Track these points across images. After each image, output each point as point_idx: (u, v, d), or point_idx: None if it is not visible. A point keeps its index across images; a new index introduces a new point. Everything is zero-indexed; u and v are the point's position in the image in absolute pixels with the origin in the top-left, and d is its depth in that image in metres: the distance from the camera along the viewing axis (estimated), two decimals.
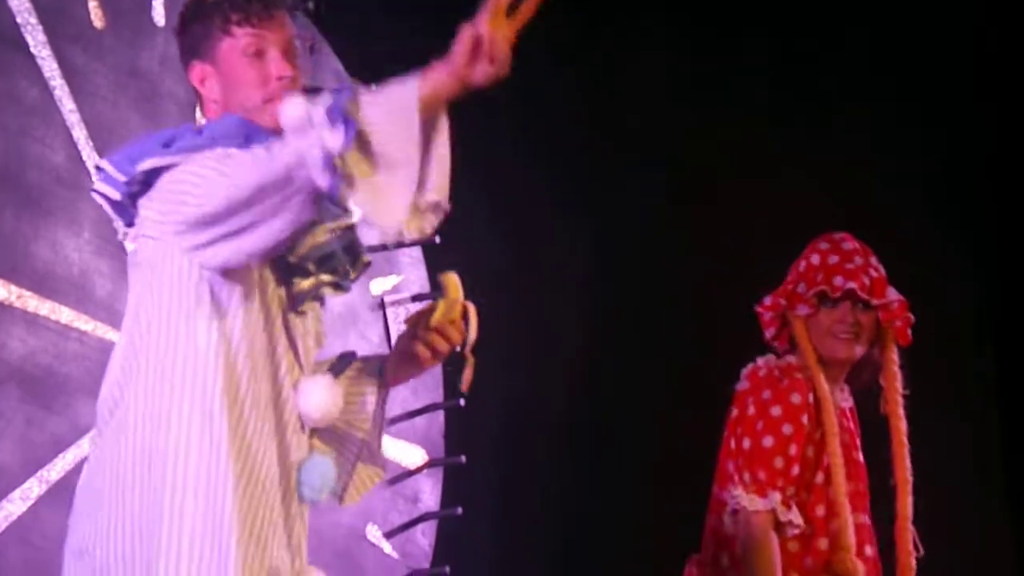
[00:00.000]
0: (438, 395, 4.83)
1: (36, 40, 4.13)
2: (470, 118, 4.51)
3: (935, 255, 5.19)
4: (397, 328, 4.79)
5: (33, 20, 4.13)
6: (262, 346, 2.74)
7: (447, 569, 4.70)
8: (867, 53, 5.29)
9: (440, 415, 4.85)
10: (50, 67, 4.16)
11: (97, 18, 4.26)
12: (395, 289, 4.85)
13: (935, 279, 5.01)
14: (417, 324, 2.80)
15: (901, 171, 5.21)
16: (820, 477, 3.59)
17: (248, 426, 2.70)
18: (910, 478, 3.64)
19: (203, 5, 2.86)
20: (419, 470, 4.76)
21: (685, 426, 4.94)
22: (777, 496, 3.50)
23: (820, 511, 3.57)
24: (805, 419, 3.56)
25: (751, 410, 3.56)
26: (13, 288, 4.04)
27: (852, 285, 3.57)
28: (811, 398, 3.60)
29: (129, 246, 2.89)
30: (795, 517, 3.50)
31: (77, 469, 3.79)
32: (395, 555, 4.76)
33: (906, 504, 3.63)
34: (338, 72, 4.72)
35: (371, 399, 2.87)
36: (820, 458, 3.59)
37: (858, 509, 3.63)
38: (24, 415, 4.04)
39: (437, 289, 4.60)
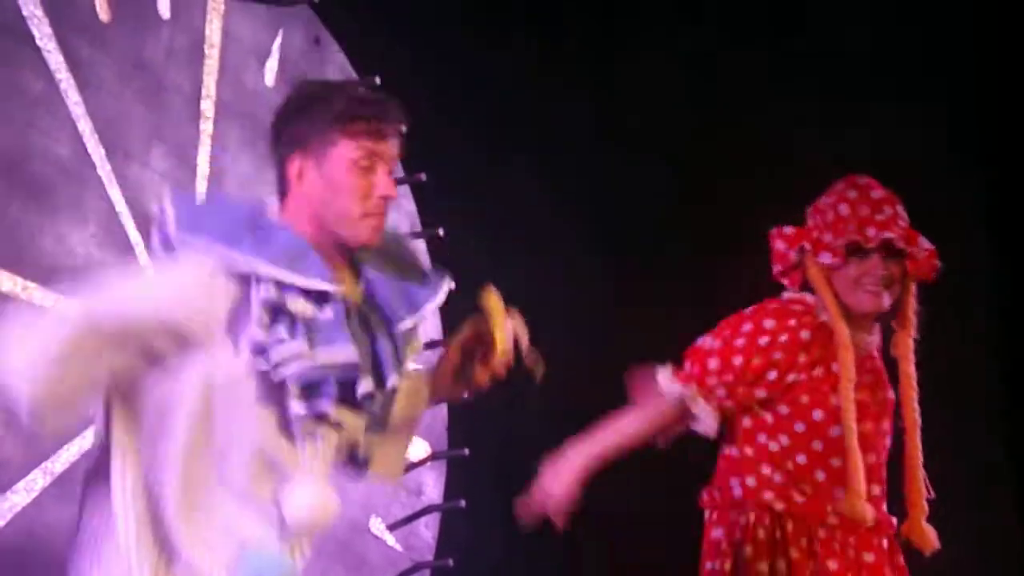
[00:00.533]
0: None
1: (42, 32, 4.10)
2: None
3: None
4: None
5: (39, 12, 4.11)
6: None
7: (450, 562, 4.72)
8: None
9: (444, 408, 4.84)
10: (55, 59, 4.14)
11: (103, 10, 4.24)
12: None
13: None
14: (473, 354, 2.86)
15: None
16: (836, 430, 3.50)
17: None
18: (919, 420, 3.57)
19: (320, 101, 2.82)
20: (423, 462, 4.74)
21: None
22: (693, 388, 3.48)
23: (836, 462, 3.49)
24: (800, 355, 3.46)
25: (746, 323, 3.51)
26: (19, 280, 4.02)
27: (888, 235, 3.47)
28: (807, 338, 3.49)
29: None
30: (708, 418, 3.48)
31: (80, 460, 3.97)
32: (398, 547, 4.75)
33: (915, 446, 3.57)
34: (342, 64, 4.75)
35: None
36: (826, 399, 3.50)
37: (872, 449, 3.55)
38: None
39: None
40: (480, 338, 2.88)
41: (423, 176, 4.79)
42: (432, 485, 4.85)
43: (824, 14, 5.34)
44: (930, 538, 3.59)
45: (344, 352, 2.74)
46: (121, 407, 2.73)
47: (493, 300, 2.88)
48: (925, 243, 3.54)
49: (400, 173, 4.78)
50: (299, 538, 2.75)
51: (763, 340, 3.48)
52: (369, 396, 2.76)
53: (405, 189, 4.88)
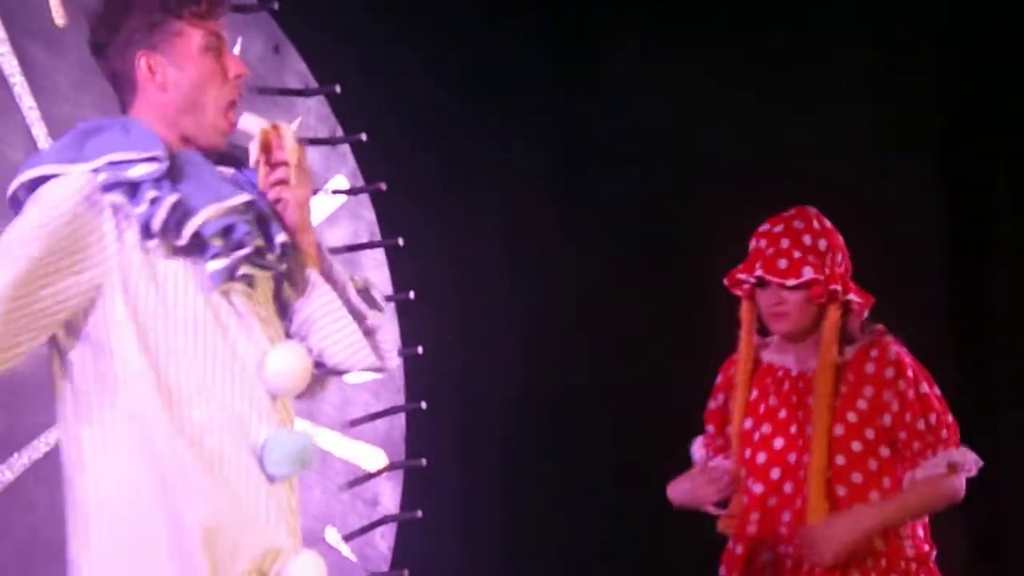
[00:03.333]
0: (400, 398, 4.76)
1: None
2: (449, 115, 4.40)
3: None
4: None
5: None
6: (192, 334, 2.67)
7: (406, 572, 4.62)
8: None
9: (401, 418, 4.75)
10: (10, 64, 4.01)
11: (58, 15, 4.09)
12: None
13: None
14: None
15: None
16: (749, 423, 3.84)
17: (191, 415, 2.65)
18: (826, 434, 3.70)
19: None
20: (379, 473, 4.67)
21: (649, 425, 4.88)
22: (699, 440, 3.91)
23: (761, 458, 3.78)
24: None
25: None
26: None
27: (760, 273, 3.77)
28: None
29: None
30: (699, 456, 3.89)
31: (32, 469, 3.89)
32: (354, 558, 4.66)
33: (820, 456, 3.68)
34: (302, 73, 4.68)
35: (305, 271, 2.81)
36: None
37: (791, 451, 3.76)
38: None
39: (403, 292, 4.61)
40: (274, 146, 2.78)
41: (383, 185, 4.66)
42: (389, 495, 4.74)
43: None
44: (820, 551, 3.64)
45: (234, 195, 2.71)
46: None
47: (254, 118, 2.79)
48: (809, 273, 3.75)
49: (359, 182, 4.76)
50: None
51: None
52: (285, 249, 2.73)
53: (365, 198, 4.77)
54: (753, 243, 3.84)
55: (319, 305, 2.82)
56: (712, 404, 3.91)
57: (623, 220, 5.22)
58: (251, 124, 2.78)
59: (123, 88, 2.78)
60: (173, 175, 2.70)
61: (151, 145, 2.69)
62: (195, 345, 2.71)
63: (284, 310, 2.85)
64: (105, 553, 2.70)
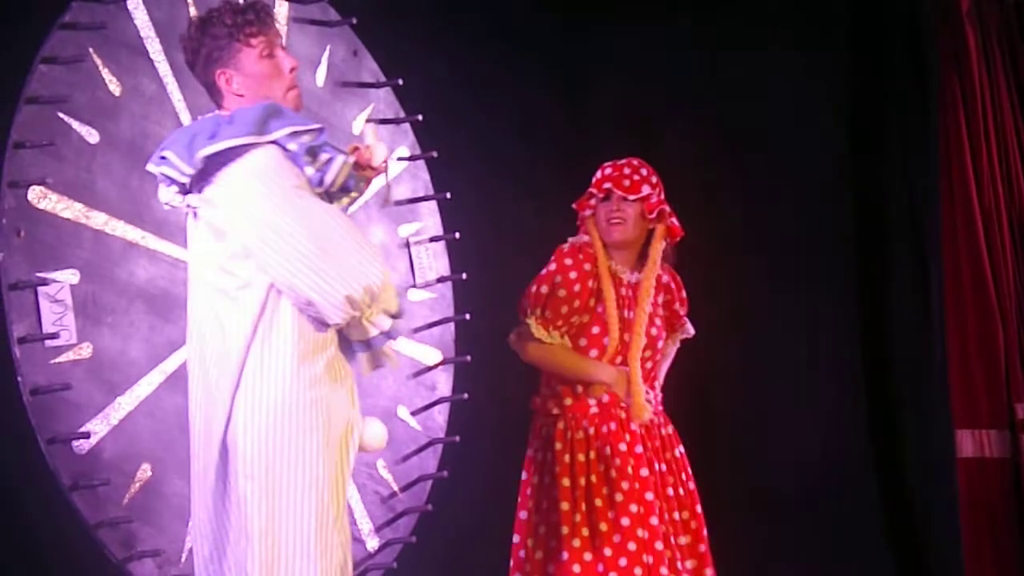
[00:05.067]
0: (450, 311, 4.96)
1: (153, 48, 4.29)
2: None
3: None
4: (419, 263, 4.89)
5: (152, 34, 4.29)
6: None
7: (457, 438, 4.91)
8: None
9: (451, 326, 4.98)
10: (164, 68, 4.31)
11: None
12: (417, 232, 4.95)
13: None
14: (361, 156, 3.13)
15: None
16: (596, 329, 4.00)
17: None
18: (643, 329, 3.99)
19: (211, 23, 3.03)
20: (436, 366, 4.91)
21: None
22: (534, 318, 4.00)
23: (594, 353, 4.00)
24: (589, 282, 3.97)
25: (551, 265, 4.07)
26: (139, 231, 4.23)
27: (609, 185, 4.01)
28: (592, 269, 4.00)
29: (194, 201, 3.09)
30: (545, 337, 4.01)
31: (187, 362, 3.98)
32: (419, 428, 4.90)
33: (636, 348, 3.99)
34: (374, 70, 4.86)
35: None
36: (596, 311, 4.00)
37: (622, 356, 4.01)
38: (148, 323, 4.19)
39: (449, 231, 4.93)
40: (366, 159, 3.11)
41: (435, 153, 4.86)
42: (443, 382, 4.96)
43: None
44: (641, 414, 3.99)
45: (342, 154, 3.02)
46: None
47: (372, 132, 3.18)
48: (648, 190, 4.02)
49: (417, 151, 4.88)
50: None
51: (558, 278, 4.04)
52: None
53: (422, 163, 4.89)
54: (599, 174, 4.08)
55: None
56: (562, 292, 4.00)
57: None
58: (379, 151, 3.16)
59: (213, 94, 3.10)
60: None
61: (309, 121, 2.98)
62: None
63: None
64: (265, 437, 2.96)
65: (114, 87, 4.20)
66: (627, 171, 4.10)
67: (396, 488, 4.79)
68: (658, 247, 4.07)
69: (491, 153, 5.05)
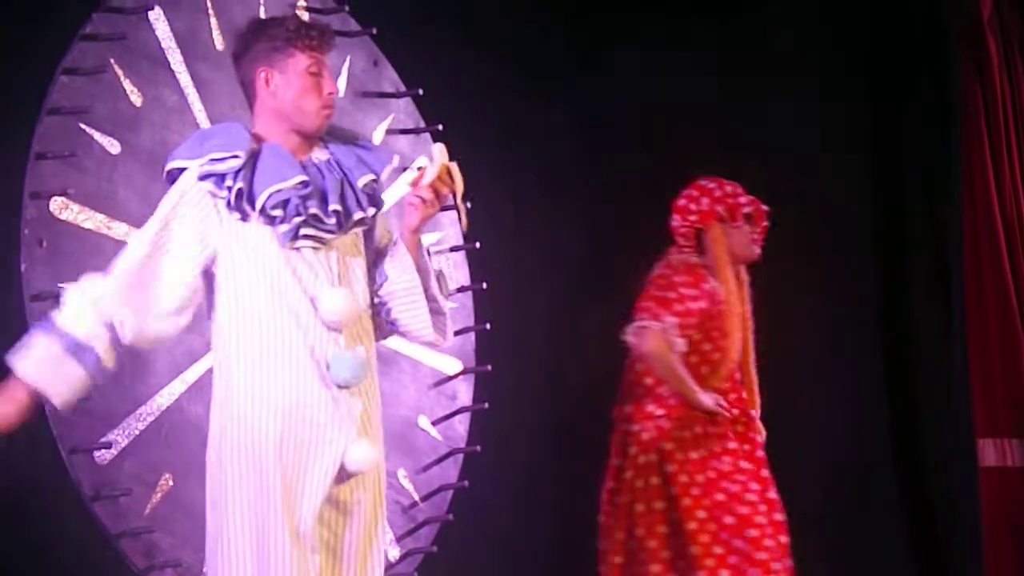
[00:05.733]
0: (470, 321, 4.99)
1: (175, 59, 4.30)
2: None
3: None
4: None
5: (173, 45, 4.32)
6: (273, 284, 2.97)
7: (478, 448, 4.93)
8: None
9: (472, 336, 5.02)
10: (185, 79, 4.34)
11: (219, 41, 4.41)
12: (438, 242, 4.91)
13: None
14: (415, 184, 3.06)
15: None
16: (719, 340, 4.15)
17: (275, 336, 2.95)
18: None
19: (276, 27, 3.05)
20: (456, 376, 4.94)
21: None
22: (671, 319, 4.06)
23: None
24: (704, 302, 4.12)
25: (661, 272, 4.20)
26: None
27: (750, 210, 4.20)
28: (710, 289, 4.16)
29: None
30: (681, 344, 4.08)
31: (208, 372, 3.82)
32: (439, 438, 4.92)
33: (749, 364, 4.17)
34: (394, 80, 4.89)
35: (403, 257, 3.08)
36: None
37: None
38: None
39: (470, 241, 4.96)
40: (441, 179, 3.05)
41: (455, 164, 4.99)
42: (464, 392, 4.99)
43: None
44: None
45: (293, 177, 2.95)
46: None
47: (439, 146, 3.09)
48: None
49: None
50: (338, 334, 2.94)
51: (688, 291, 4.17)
52: (339, 216, 2.97)
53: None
54: (741, 199, 4.22)
55: (403, 283, 3.05)
56: (692, 305, 4.13)
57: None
58: (437, 154, 3.06)
59: (247, 91, 3.08)
60: (255, 165, 2.98)
61: (237, 145, 2.98)
62: (269, 286, 2.96)
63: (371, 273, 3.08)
64: (224, 455, 2.97)
65: (135, 98, 4.23)
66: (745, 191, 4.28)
67: (417, 498, 4.82)
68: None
69: (512, 162, 5.09)
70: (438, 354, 4.91)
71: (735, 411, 4.14)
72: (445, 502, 4.88)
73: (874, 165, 5.28)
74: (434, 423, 4.92)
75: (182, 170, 3.06)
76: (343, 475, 3.00)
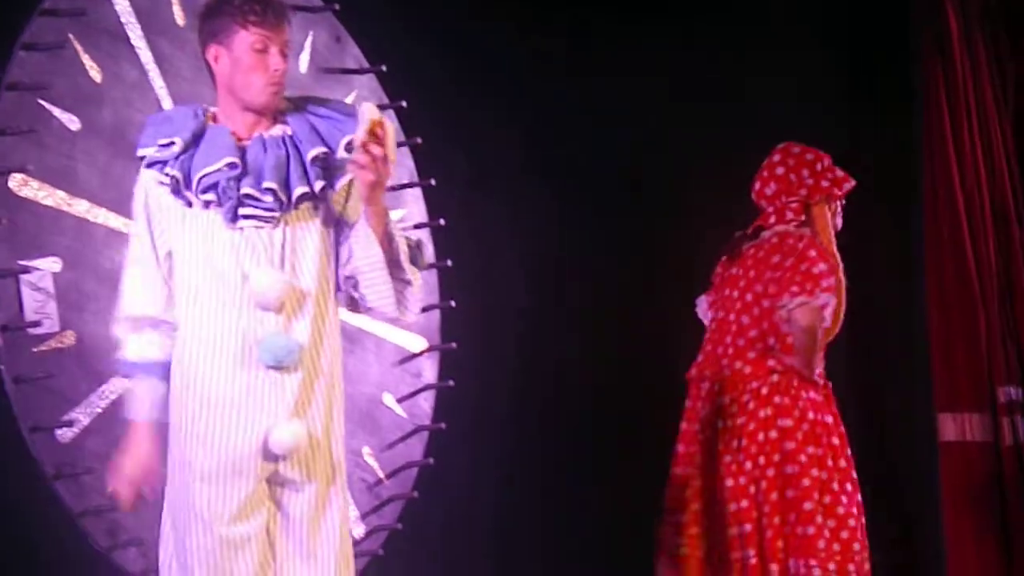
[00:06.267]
0: (435, 298, 4.96)
1: (135, 34, 4.26)
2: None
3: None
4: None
5: (133, 19, 4.27)
6: (211, 262, 3.00)
7: (443, 425, 4.92)
8: None
9: (437, 313, 4.99)
10: (146, 55, 4.30)
11: (179, 16, 4.37)
12: (402, 219, 4.88)
13: None
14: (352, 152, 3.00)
15: None
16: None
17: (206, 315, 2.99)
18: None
19: (225, 3, 3.04)
20: (421, 353, 4.93)
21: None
22: (825, 296, 4.12)
23: None
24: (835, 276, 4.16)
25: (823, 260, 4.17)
26: (122, 218, 4.14)
27: (850, 185, 4.26)
28: None
29: None
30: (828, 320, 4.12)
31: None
32: (404, 416, 4.91)
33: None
34: (357, 56, 4.85)
35: (366, 231, 3.04)
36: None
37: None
38: None
39: (434, 218, 4.92)
40: (373, 137, 2.97)
41: (419, 140, 4.83)
42: (429, 369, 4.97)
43: None
44: None
45: (220, 160, 2.98)
46: None
47: (367, 106, 3.03)
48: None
49: (401, 138, 4.76)
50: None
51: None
52: (275, 194, 2.96)
53: (406, 150, 4.85)
54: (839, 172, 4.25)
55: (366, 259, 3.02)
56: (834, 279, 4.15)
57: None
58: (368, 112, 2.97)
59: (208, 71, 3.10)
60: (194, 149, 3.00)
61: (177, 132, 3.02)
62: (211, 268, 2.99)
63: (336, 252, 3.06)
64: (174, 415, 3.03)
65: (95, 74, 4.19)
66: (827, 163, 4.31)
67: (382, 475, 4.79)
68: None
69: (476, 139, 5.07)
70: (403, 332, 4.91)
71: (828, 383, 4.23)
72: (410, 479, 4.87)
73: (836, 144, 5.09)
74: (399, 401, 4.91)
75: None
76: (272, 454, 3.00)
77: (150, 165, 3.02)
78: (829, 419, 4.14)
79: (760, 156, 4.55)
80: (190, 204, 3.01)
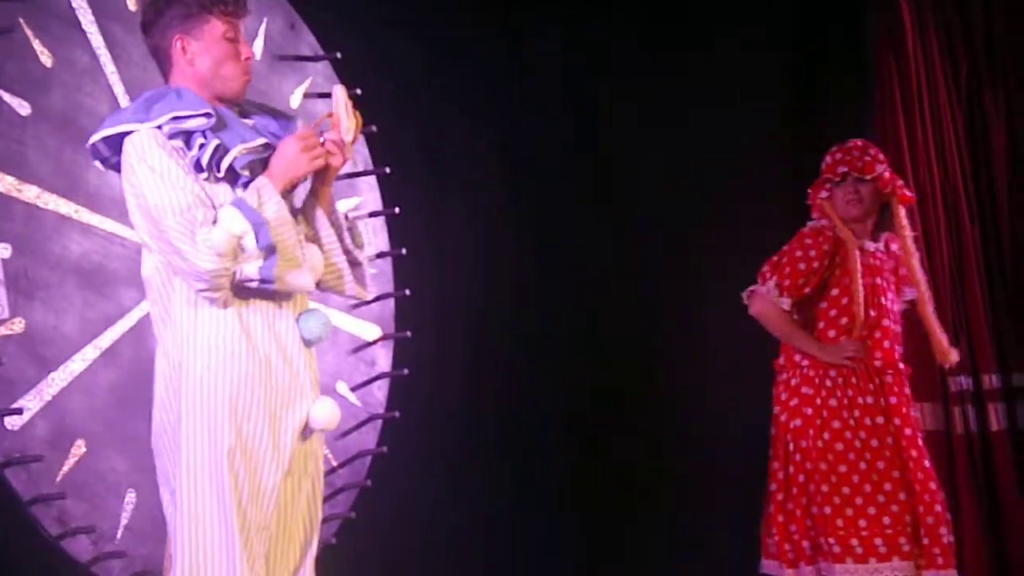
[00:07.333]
0: (390, 287, 4.97)
1: (86, 19, 4.23)
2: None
3: None
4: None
5: (84, 4, 4.24)
6: None
7: (396, 414, 4.91)
8: None
9: (391, 302, 4.99)
10: (97, 40, 4.27)
11: (131, 2, 4.36)
12: (356, 207, 4.89)
13: None
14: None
15: None
16: (845, 300, 4.25)
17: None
18: (926, 291, 4.34)
19: None
20: (376, 342, 4.92)
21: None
22: (772, 282, 4.23)
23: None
24: (824, 260, 4.23)
25: (792, 244, 4.30)
26: (72, 204, 4.16)
27: (844, 169, 4.29)
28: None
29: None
30: (785, 304, 4.23)
31: (123, 338, 4.20)
32: (359, 404, 4.90)
33: (926, 304, 4.34)
34: (312, 44, 4.85)
35: (319, 215, 3.05)
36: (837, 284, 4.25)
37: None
38: (81, 298, 4.13)
39: (389, 207, 4.92)
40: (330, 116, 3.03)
41: (374, 128, 4.69)
42: (383, 358, 4.96)
43: None
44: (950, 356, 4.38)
45: (254, 140, 2.99)
46: None
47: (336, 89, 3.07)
48: (881, 168, 4.28)
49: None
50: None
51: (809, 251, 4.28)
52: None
53: (361, 138, 4.73)
54: (828, 160, 4.31)
55: (326, 242, 3.04)
56: (802, 266, 4.24)
57: None
58: (341, 93, 3.04)
59: (162, 60, 3.03)
60: (215, 126, 2.96)
61: (200, 105, 2.96)
62: None
63: None
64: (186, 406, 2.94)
65: (45, 59, 4.15)
66: (856, 154, 4.37)
67: (335, 463, 4.76)
68: (901, 215, 4.39)
69: (432, 128, 5.06)
70: (357, 320, 4.91)
71: (877, 362, 4.30)
72: (364, 468, 4.85)
73: (788, 134, 5.27)
74: (353, 389, 4.89)
75: (123, 136, 2.97)
76: (307, 432, 3.01)
77: (172, 136, 2.93)
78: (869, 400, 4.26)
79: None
80: (211, 178, 2.96)
